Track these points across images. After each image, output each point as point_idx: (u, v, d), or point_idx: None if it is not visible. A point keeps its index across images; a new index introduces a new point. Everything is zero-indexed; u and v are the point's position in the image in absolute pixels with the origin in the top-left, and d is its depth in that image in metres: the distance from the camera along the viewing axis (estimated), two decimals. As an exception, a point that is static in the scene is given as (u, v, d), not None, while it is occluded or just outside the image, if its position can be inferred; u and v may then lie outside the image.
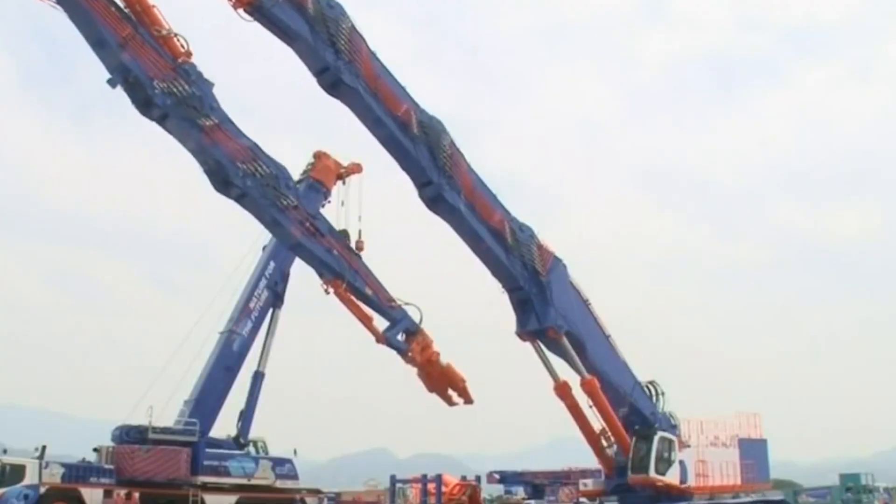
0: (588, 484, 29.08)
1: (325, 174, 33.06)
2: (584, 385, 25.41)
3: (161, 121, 20.77)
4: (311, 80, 22.18)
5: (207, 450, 29.79)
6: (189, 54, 20.98)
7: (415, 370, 24.77)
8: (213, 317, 31.85)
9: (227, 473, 30.14)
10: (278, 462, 32.08)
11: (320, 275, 23.79)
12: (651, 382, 27.68)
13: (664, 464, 26.02)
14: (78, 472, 27.36)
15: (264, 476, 31.13)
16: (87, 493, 26.90)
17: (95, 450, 29.48)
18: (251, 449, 32.50)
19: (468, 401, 25.72)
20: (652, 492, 26.22)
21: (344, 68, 21.70)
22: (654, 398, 27.51)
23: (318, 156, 33.76)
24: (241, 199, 21.91)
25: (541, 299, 25.47)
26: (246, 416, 32.60)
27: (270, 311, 33.64)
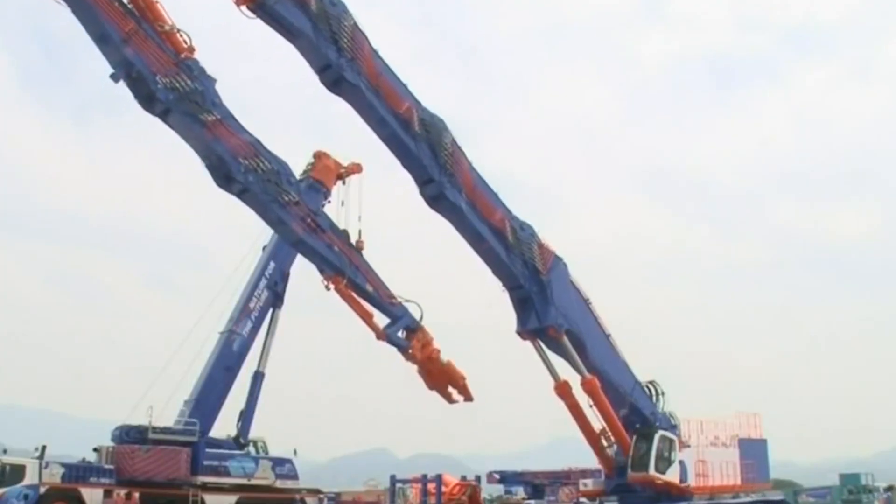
0: (588, 484, 29.04)
1: (325, 174, 33.12)
2: (585, 384, 25.34)
3: (163, 116, 20.79)
4: (311, 80, 22.00)
5: (207, 450, 29.86)
6: (192, 50, 21.02)
7: (415, 367, 24.77)
8: (213, 317, 31.99)
9: (227, 473, 30.19)
10: (278, 462, 32.13)
11: (321, 271, 23.80)
12: (651, 382, 27.62)
13: (664, 463, 25.95)
14: (78, 472, 27.40)
15: (264, 476, 31.19)
16: (87, 493, 26.95)
17: (95, 450, 29.53)
18: (251, 449, 32.56)
19: (468, 398, 25.73)
20: (652, 491, 26.17)
21: (346, 66, 21.66)
22: (655, 398, 27.45)
23: (318, 156, 33.83)
24: (242, 194, 21.91)
25: (541, 298, 25.40)
26: (246, 416, 32.66)
27: (270, 311, 33.73)
